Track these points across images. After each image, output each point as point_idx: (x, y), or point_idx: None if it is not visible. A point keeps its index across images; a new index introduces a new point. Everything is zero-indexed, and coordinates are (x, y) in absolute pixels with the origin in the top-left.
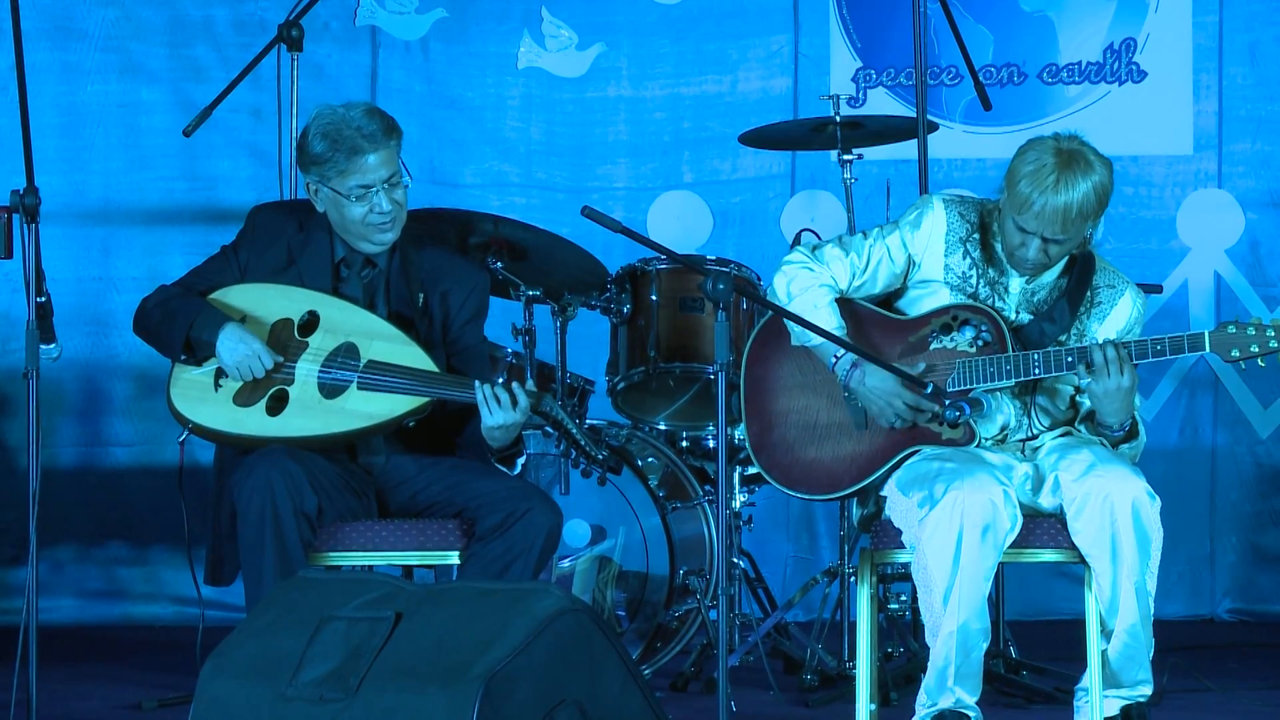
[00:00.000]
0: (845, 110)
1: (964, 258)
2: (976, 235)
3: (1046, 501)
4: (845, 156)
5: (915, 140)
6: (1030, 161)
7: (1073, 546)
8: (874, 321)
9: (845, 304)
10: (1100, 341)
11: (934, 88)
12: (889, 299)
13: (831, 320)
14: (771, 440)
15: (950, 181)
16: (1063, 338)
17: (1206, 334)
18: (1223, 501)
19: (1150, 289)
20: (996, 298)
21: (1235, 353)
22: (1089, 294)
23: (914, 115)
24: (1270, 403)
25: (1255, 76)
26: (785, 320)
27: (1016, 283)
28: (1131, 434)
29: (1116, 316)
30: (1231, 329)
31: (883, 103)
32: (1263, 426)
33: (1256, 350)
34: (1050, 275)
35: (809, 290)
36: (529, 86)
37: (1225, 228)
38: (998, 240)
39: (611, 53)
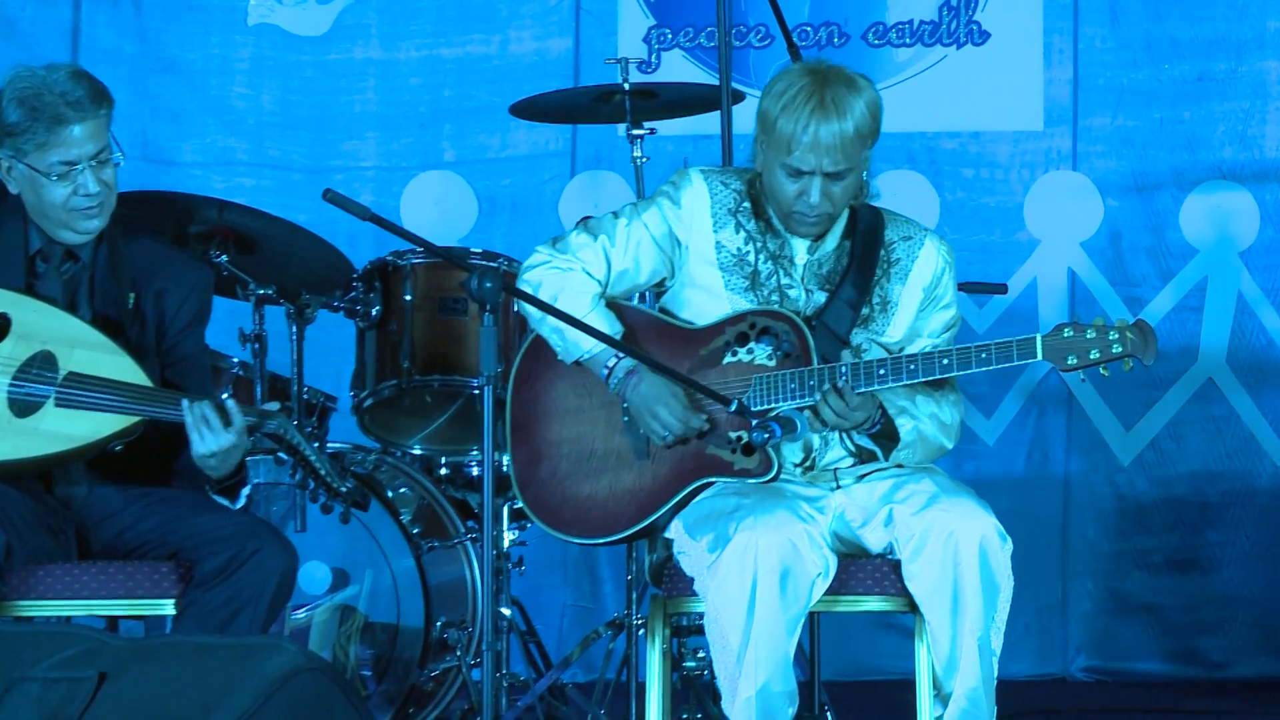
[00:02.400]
0: (635, 76)
1: (737, 231)
2: (747, 204)
3: (874, 538)
4: (635, 131)
5: (718, 112)
6: (783, 93)
7: (901, 593)
8: (657, 331)
9: (617, 310)
10: (826, 389)
11: (739, 50)
12: (672, 307)
13: (603, 325)
14: (539, 474)
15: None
16: (865, 310)
17: (1039, 339)
18: (1077, 540)
19: (992, 289)
20: (781, 272)
21: (1072, 359)
22: (882, 252)
23: (716, 83)
24: (1133, 424)
25: (1116, 39)
26: (546, 331)
27: (801, 251)
28: (889, 434)
29: (920, 271)
30: (1068, 332)
31: (680, 68)
32: (1124, 452)
33: (1097, 356)
34: (832, 241)
35: (563, 294)
36: (261, 46)
37: (1081, 217)
38: (770, 205)
39: (358, 6)
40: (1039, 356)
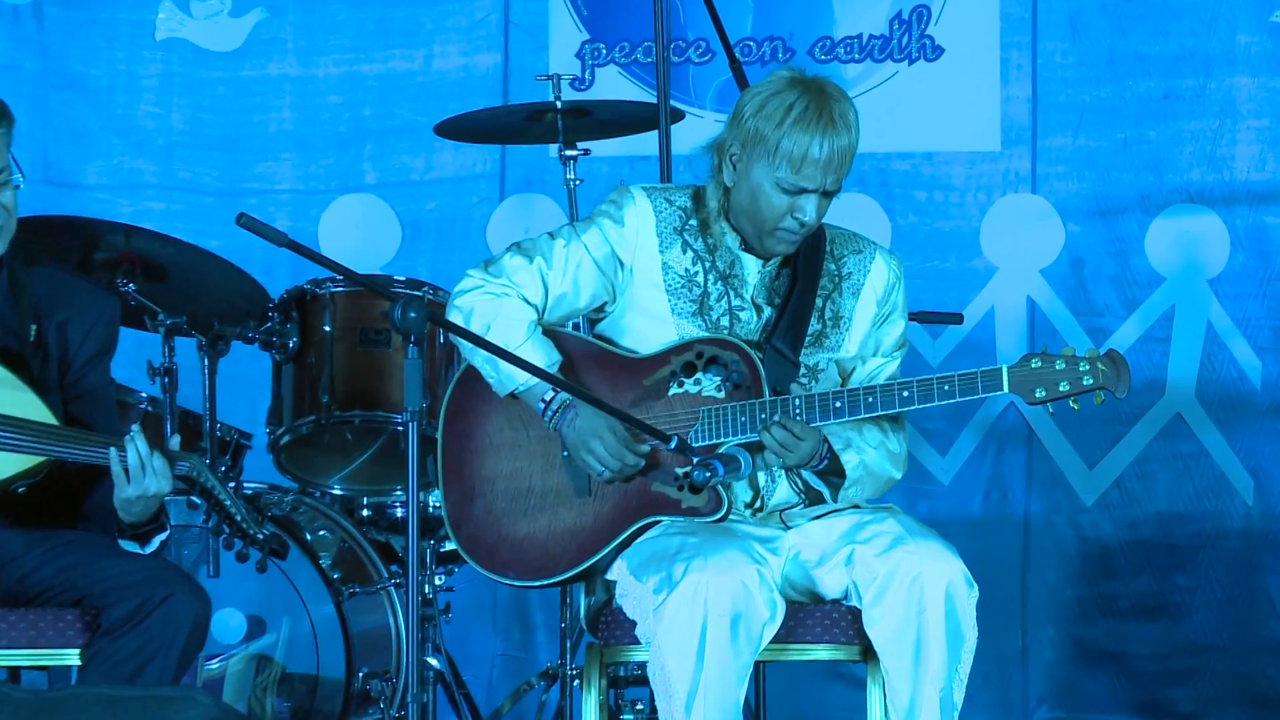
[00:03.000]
0: (568, 94)
1: (684, 250)
2: (693, 222)
3: (831, 581)
4: (568, 152)
5: (656, 132)
6: (780, 109)
7: (853, 640)
8: (598, 361)
9: (555, 338)
10: (770, 420)
11: (679, 66)
12: (611, 334)
13: (539, 355)
14: (474, 512)
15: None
16: (815, 327)
17: (1005, 370)
18: (1037, 584)
19: (947, 319)
20: (732, 293)
21: (1040, 392)
22: (834, 267)
23: (654, 100)
24: (1096, 462)
25: (1078, 54)
26: (479, 362)
27: (753, 268)
28: (836, 470)
29: (873, 285)
30: (1036, 363)
31: (615, 85)
32: (1087, 491)
33: (1067, 389)
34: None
35: (497, 321)
36: (170, 62)
37: (1040, 242)
38: (721, 222)
39: (273, 20)
40: (1005, 389)
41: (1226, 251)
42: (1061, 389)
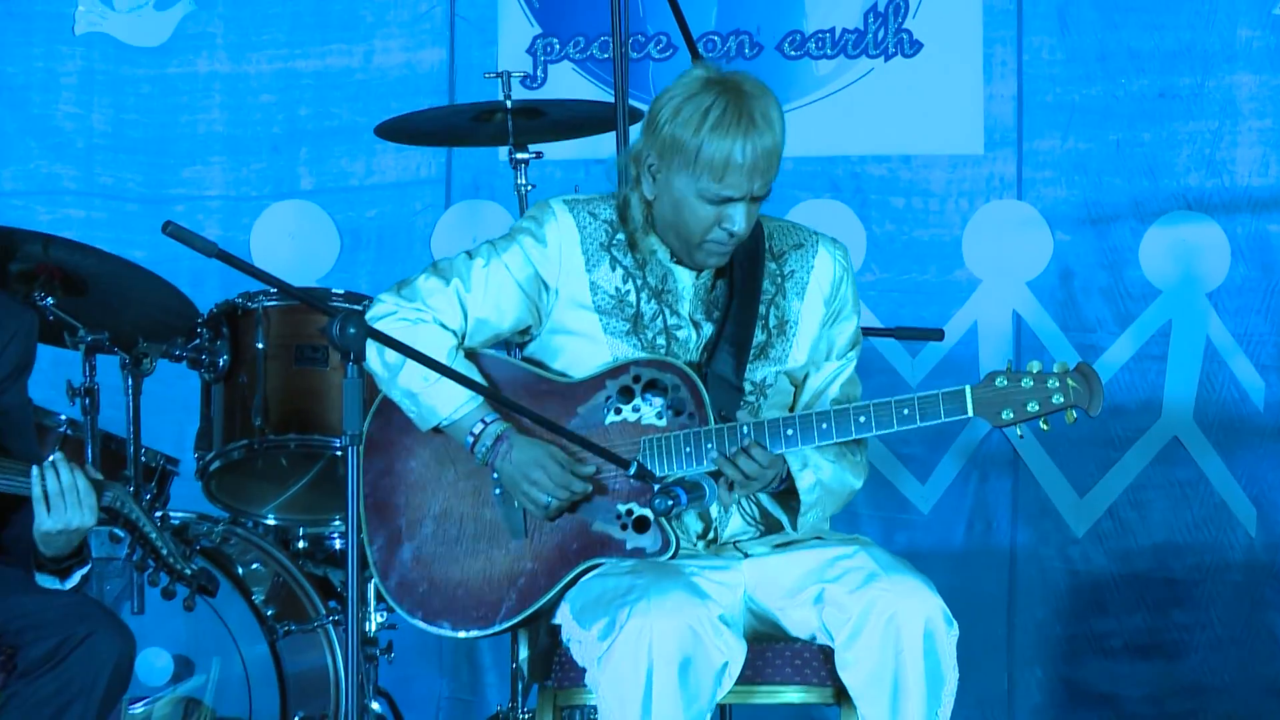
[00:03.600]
0: (519, 92)
1: (613, 268)
2: (621, 236)
3: (798, 619)
4: (520, 155)
5: (614, 133)
6: (696, 113)
7: (825, 682)
8: (525, 387)
9: (476, 362)
10: (733, 448)
11: (638, 62)
12: (541, 356)
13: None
14: (400, 557)
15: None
16: (760, 338)
17: (968, 391)
18: (1025, 620)
19: (927, 335)
20: (667, 311)
21: (1007, 414)
22: (775, 266)
23: (611, 99)
24: (1088, 489)
25: (1066, 50)
26: (397, 396)
27: (688, 281)
28: (794, 491)
29: (818, 282)
30: (1001, 382)
31: (570, 82)
32: (1078, 521)
33: (1036, 409)
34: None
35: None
36: (90, 59)
37: (1027, 252)
38: (649, 236)
39: (202, 13)
40: (969, 412)
41: (1227, 262)
42: (1030, 409)
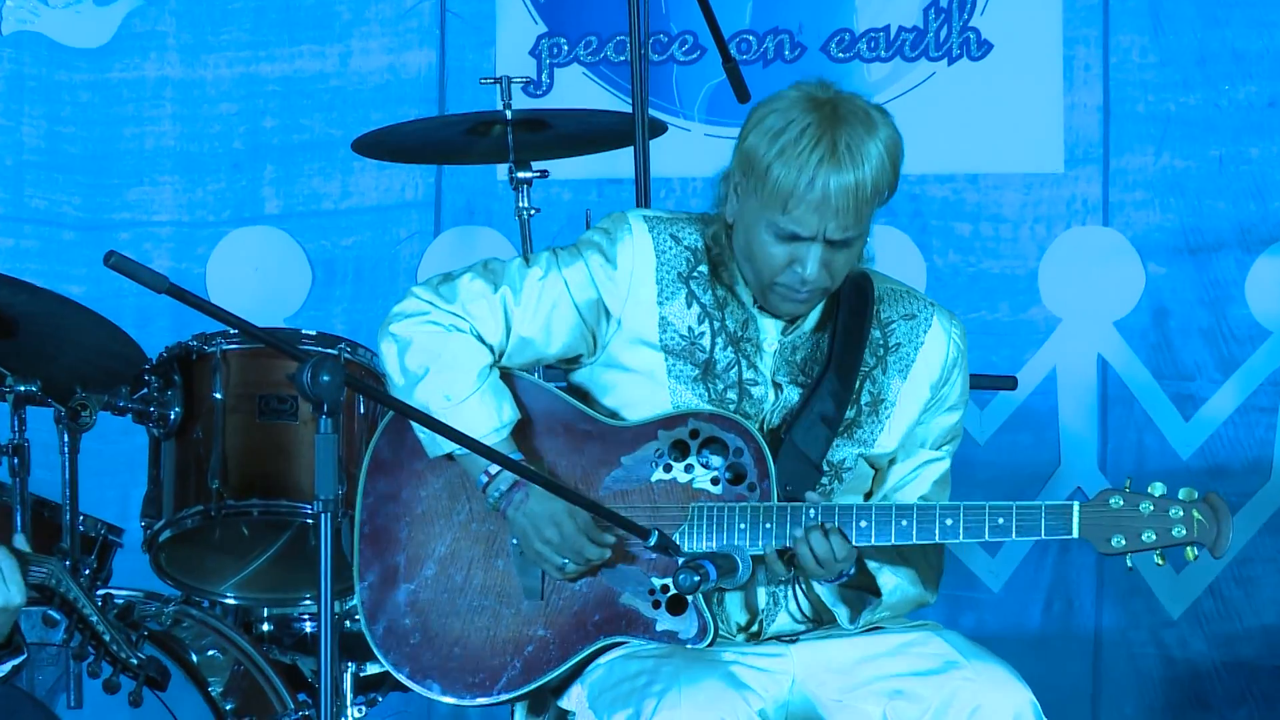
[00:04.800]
0: (521, 101)
1: (689, 304)
2: (704, 268)
3: (858, 713)
4: (522, 174)
5: (631, 149)
6: (777, 128)
7: None
8: (565, 424)
9: (512, 386)
10: (806, 526)
11: (660, 65)
12: (590, 388)
13: (488, 413)
14: (394, 598)
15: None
16: (849, 413)
17: (1076, 510)
18: (1112, 716)
19: (997, 383)
20: (744, 362)
21: (1119, 541)
22: (879, 334)
23: (629, 109)
24: (1184, 564)
25: (1160, 52)
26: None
27: (772, 333)
28: (867, 585)
29: (927, 361)
30: (1116, 502)
31: (580, 89)
32: (1174, 600)
33: (1152, 540)
34: (812, 319)
35: (439, 362)
36: (20, 61)
37: (1114, 287)
38: (736, 270)
39: (151, 9)
40: (1074, 534)
41: None
42: (1145, 539)
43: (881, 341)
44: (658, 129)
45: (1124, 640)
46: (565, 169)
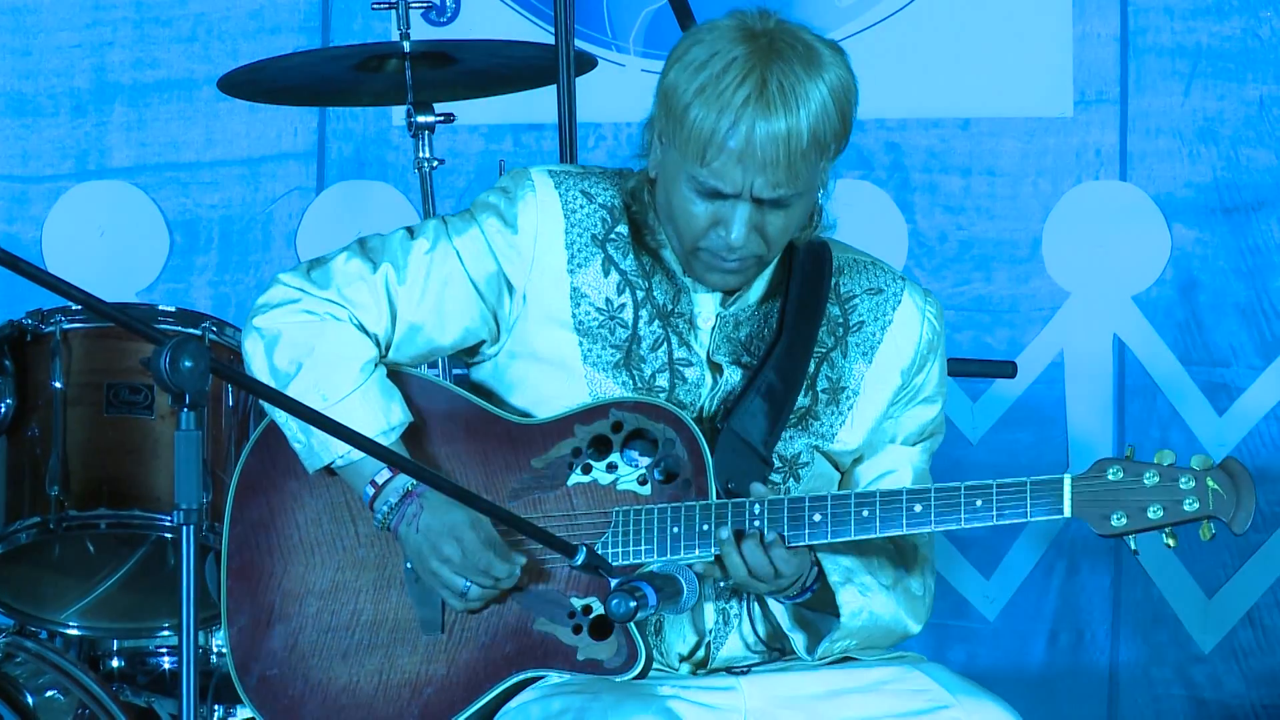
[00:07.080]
0: (422, 31)
1: (606, 271)
2: (623, 228)
3: None
4: (422, 118)
5: (554, 87)
6: (699, 60)
7: None
8: (466, 425)
9: (402, 385)
10: (734, 528)
11: None
12: (494, 385)
13: (372, 414)
14: (269, 646)
15: (622, 163)
16: (803, 401)
17: (1067, 482)
18: None
19: (993, 370)
20: (675, 339)
21: (1119, 519)
22: (838, 311)
23: (551, 40)
24: (1218, 588)
25: None
26: (282, 417)
27: (708, 306)
28: (823, 603)
29: (896, 344)
30: (1115, 473)
31: (493, 16)
32: (1204, 632)
33: (1159, 516)
34: (758, 289)
35: (314, 357)
36: None
37: (1134, 255)
38: (666, 233)
39: None
40: (1066, 512)
41: None
42: (1152, 515)
43: (841, 320)
44: (585, 64)
45: (1145, 678)
46: (475, 112)
